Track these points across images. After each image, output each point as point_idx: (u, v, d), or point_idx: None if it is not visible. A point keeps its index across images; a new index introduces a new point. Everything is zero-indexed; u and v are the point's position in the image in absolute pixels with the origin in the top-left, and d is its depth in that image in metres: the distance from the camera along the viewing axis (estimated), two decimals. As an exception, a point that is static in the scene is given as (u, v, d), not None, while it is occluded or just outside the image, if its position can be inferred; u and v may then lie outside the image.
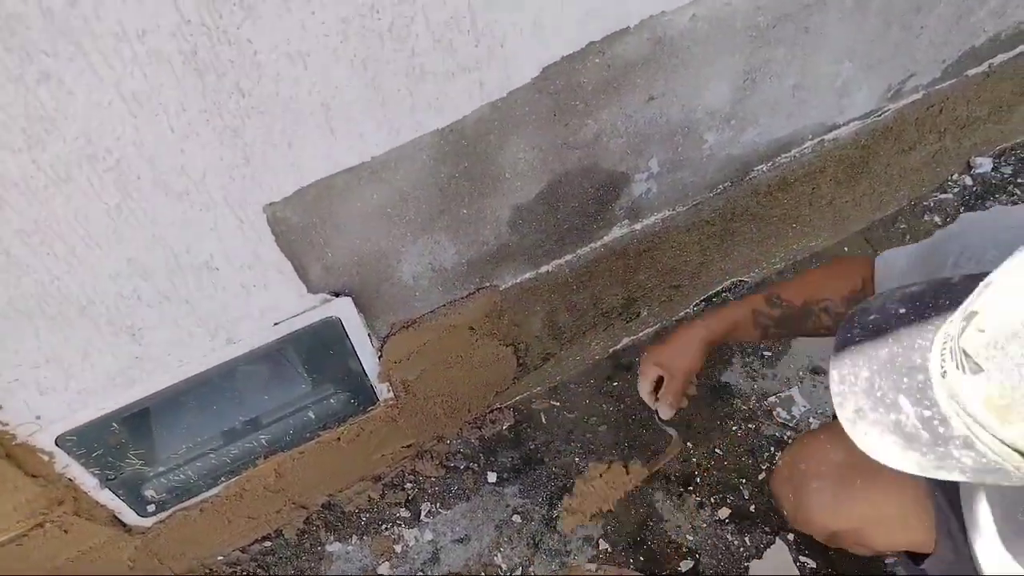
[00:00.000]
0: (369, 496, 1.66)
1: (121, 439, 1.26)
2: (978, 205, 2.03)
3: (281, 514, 1.60)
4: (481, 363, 1.59)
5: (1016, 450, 0.58)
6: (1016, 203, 2.00)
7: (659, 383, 1.30)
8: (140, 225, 1.02)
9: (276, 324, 1.26)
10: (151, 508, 1.39)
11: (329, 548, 1.59)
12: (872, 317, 0.71)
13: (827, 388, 1.71)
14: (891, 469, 0.78)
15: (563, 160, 1.34)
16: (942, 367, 0.62)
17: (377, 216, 1.21)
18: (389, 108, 1.09)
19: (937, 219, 2.03)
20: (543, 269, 1.52)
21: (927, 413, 0.63)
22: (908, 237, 2.01)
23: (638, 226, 1.58)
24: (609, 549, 1.54)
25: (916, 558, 1.11)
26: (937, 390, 0.63)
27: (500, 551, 1.56)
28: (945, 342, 0.62)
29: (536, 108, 1.23)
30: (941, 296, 0.67)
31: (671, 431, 1.48)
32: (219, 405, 1.38)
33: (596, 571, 1.43)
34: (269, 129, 1.02)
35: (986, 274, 0.63)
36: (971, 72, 1.80)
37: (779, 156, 1.67)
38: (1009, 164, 2.12)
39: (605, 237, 1.55)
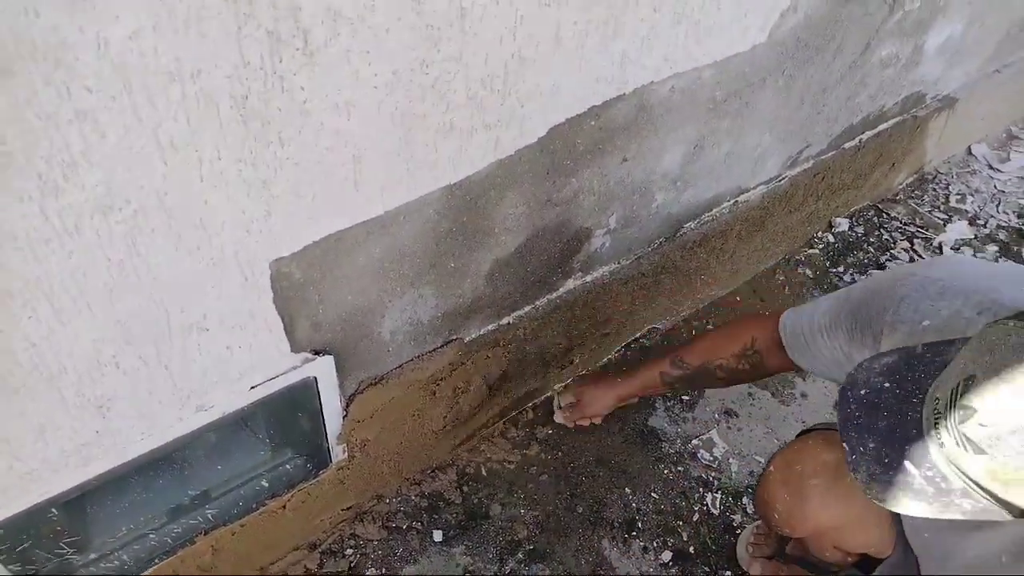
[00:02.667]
0: (305, 566, 1.52)
1: (56, 527, 1.07)
2: (841, 260, 2.31)
3: (209, 595, 1.42)
4: (435, 418, 1.54)
5: (1015, 506, 0.70)
6: (883, 263, 2.30)
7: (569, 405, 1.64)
8: (140, 283, 0.89)
9: (253, 387, 1.14)
10: (72, 604, 1.19)
11: (266, 628, 1.44)
12: (863, 392, 0.84)
13: (740, 430, 1.86)
14: None
15: (544, 215, 1.35)
16: (939, 440, 0.74)
17: (375, 270, 1.15)
18: (413, 162, 1.04)
19: (808, 272, 2.28)
20: (504, 321, 1.51)
21: (929, 473, 0.76)
22: (787, 287, 2.23)
23: (588, 278, 1.63)
24: (565, 601, 1.54)
25: (866, 567, 1.26)
26: (935, 456, 0.75)
27: (456, 614, 1.50)
28: (936, 421, 0.75)
29: (535, 166, 1.23)
30: (914, 368, 0.81)
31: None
32: (167, 479, 1.22)
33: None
34: (298, 181, 0.93)
35: (946, 343, 0.81)
36: (847, 145, 2.06)
37: (704, 215, 1.80)
38: (860, 224, 2.43)
39: (561, 289, 1.58)
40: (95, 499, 1.17)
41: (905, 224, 2.45)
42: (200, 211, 0.87)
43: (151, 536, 1.22)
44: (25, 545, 1.05)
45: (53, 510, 1.05)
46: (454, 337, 1.43)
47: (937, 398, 0.76)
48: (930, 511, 0.77)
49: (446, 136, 1.05)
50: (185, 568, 1.32)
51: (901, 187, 2.61)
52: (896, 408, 0.80)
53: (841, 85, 1.79)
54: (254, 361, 1.11)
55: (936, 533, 1.05)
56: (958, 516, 0.76)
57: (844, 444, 0.83)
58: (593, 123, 1.25)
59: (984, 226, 2.51)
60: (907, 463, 0.77)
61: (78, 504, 1.13)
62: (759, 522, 1.64)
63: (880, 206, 2.52)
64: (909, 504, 0.79)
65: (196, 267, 0.92)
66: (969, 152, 2.86)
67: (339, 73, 0.87)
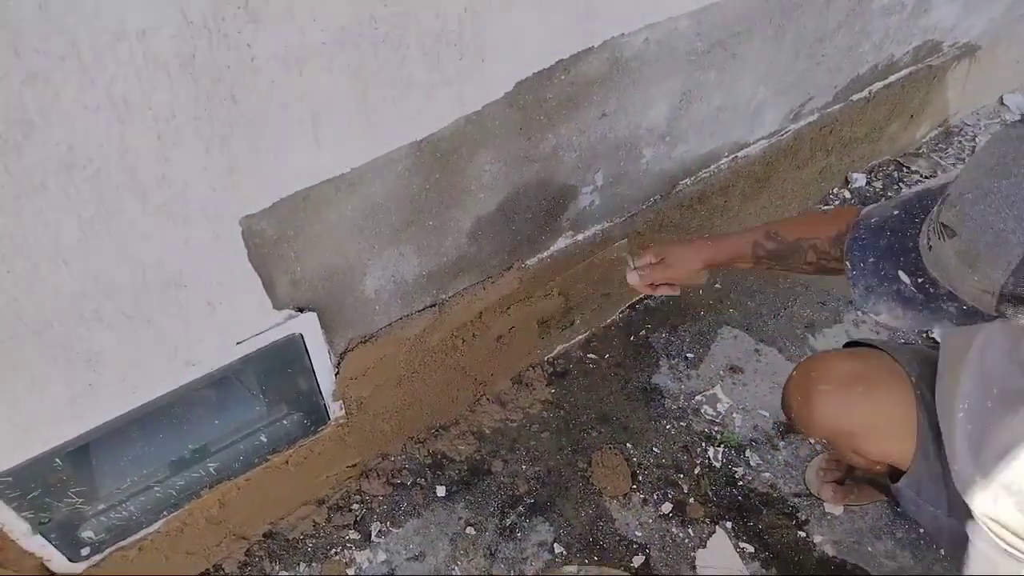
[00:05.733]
0: (314, 521, 1.59)
1: (62, 476, 1.15)
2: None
3: (221, 547, 1.50)
4: (432, 378, 1.58)
5: (983, 290, 0.76)
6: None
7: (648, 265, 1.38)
8: (112, 239, 0.94)
9: (239, 343, 1.19)
10: (86, 551, 1.27)
11: (275, 578, 1.52)
12: (874, 220, 0.95)
13: (745, 385, 1.85)
14: (887, 385, 1.20)
15: (523, 173, 1.37)
16: (928, 243, 0.83)
17: (349, 228, 1.19)
18: (375, 118, 1.07)
19: (823, 229, 2.24)
20: (494, 280, 1.54)
21: (920, 280, 0.86)
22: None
23: (580, 237, 1.64)
24: (564, 552, 1.57)
25: (894, 479, 1.29)
26: (925, 260, 0.84)
27: (457, 564, 1.54)
28: (930, 224, 0.83)
29: (506, 122, 1.25)
30: (925, 199, 0.89)
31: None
32: (167, 433, 1.29)
33: (578, 572, 1.46)
34: (257, 138, 0.98)
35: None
36: (855, 97, 2.01)
37: (701, 171, 1.79)
38: (879, 179, 2.38)
39: (551, 247, 1.60)
40: (98, 451, 1.24)
41: (926, 178, 2.38)
42: (161, 168, 0.92)
43: (156, 489, 1.30)
44: (35, 493, 1.13)
45: (57, 460, 1.12)
46: (443, 296, 1.46)
47: (934, 212, 0.83)
48: (920, 319, 0.88)
49: (406, 92, 1.08)
50: (194, 521, 1.40)
51: (924, 140, 2.53)
52: (899, 228, 0.91)
53: (840, 34, 1.75)
54: (238, 317, 1.16)
55: (975, 420, 1.06)
56: (946, 324, 0.86)
57: (847, 263, 0.94)
58: (563, 77, 1.27)
59: (1012, 177, 2.42)
60: (901, 273, 0.88)
61: (82, 455, 1.21)
62: (830, 450, 1.67)
63: (901, 160, 2.45)
64: (900, 313, 0.89)
65: (165, 224, 0.98)
66: (1001, 102, 2.76)
67: (284, 30, 0.90)
